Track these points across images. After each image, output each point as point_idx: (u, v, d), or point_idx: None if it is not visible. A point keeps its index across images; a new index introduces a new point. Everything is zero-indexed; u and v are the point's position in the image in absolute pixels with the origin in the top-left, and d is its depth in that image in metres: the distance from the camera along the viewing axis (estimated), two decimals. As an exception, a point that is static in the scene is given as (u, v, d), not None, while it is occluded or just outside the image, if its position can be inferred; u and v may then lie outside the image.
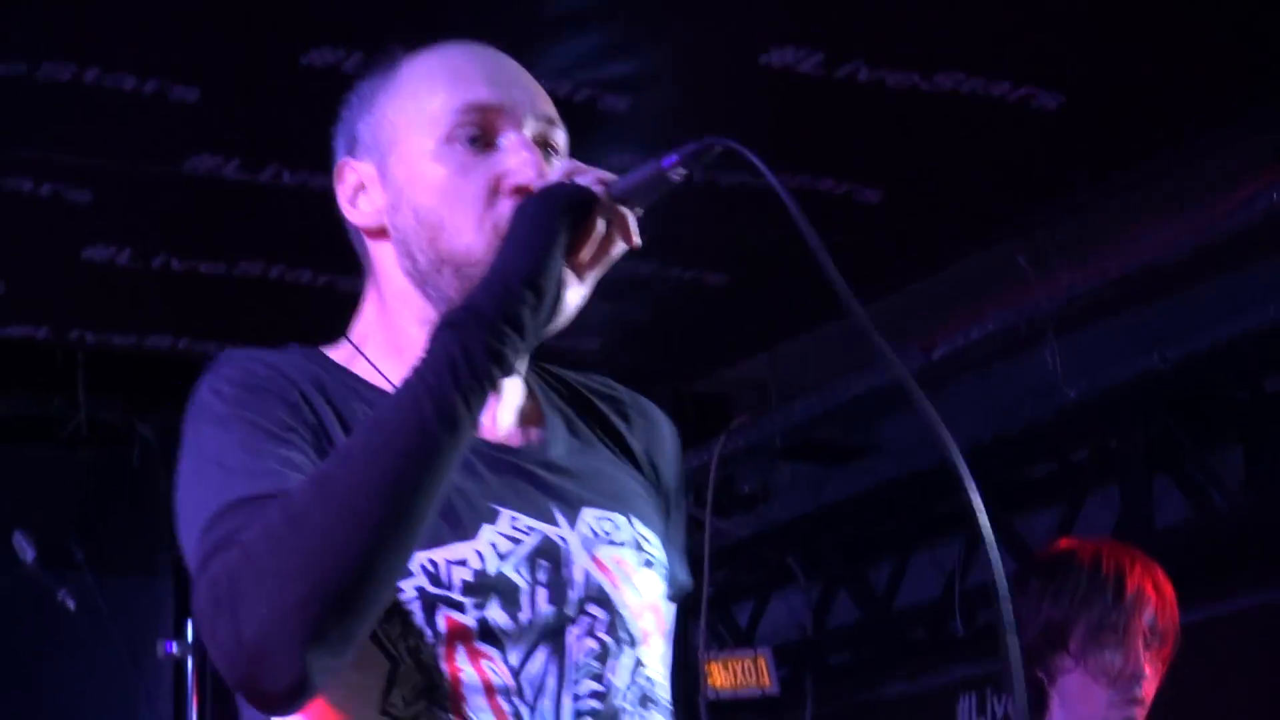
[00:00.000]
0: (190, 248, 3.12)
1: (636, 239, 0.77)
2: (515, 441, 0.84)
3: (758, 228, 2.79)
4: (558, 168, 0.78)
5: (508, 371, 0.71)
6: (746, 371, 3.92)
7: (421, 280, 0.81)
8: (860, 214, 2.98)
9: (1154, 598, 1.75)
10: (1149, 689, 1.75)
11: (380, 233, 0.84)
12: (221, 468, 0.71)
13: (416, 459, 0.65)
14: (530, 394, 0.88)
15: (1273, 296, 2.85)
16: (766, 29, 2.38)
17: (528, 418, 0.86)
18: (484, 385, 0.68)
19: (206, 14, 2.35)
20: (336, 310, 0.88)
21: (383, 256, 0.85)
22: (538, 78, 0.85)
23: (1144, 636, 1.73)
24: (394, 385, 0.74)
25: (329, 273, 3.09)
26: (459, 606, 0.73)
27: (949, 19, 2.31)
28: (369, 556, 0.63)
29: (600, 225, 0.74)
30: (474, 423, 0.68)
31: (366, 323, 0.87)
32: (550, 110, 0.85)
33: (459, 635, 0.73)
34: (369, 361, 0.84)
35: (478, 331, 0.68)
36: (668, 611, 0.85)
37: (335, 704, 0.72)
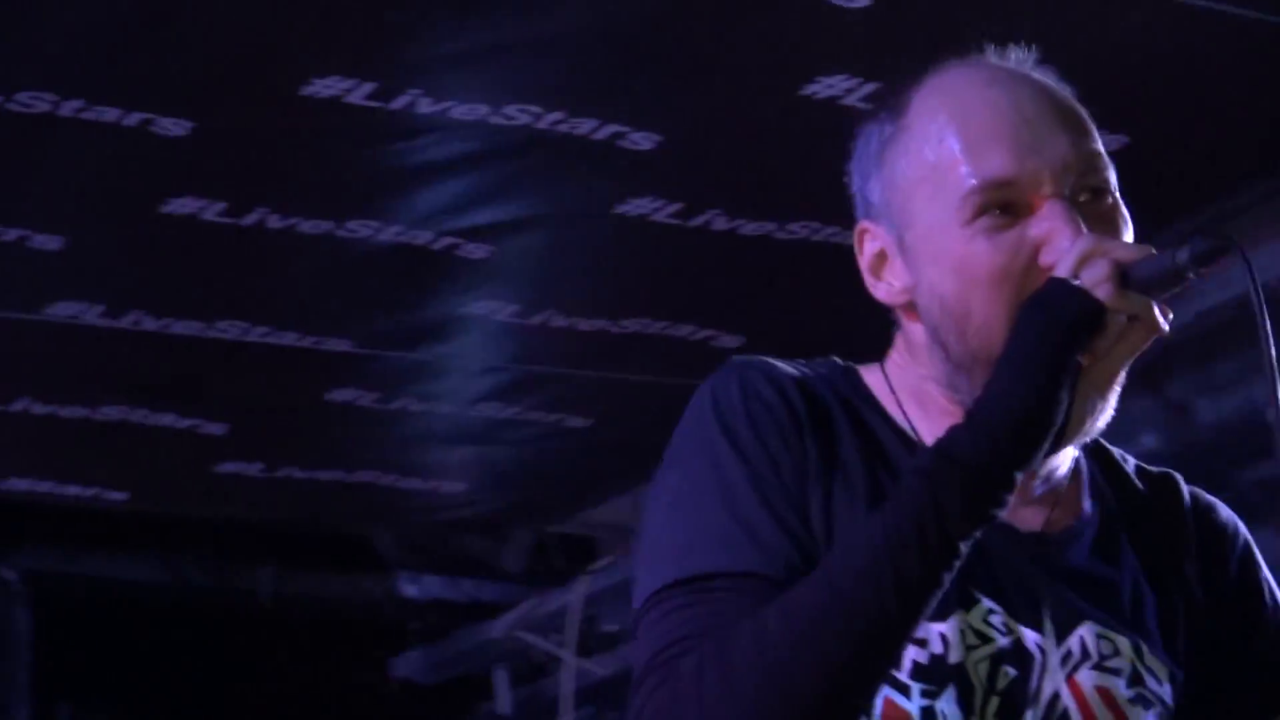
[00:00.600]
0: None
1: (1164, 325, 0.63)
2: (1033, 525, 0.71)
3: (620, 371, 2.79)
4: (1069, 250, 0.63)
5: (989, 523, 0.60)
6: (610, 513, 3.86)
7: (954, 371, 0.69)
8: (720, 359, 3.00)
9: None
10: None
11: (909, 308, 0.73)
12: (697, 526, 0.66)
13: (869, 637, 0.58)
14: (1075, 473, 0.74)
15: None
16: (620, 183, 2.41)
17: (1059, 500, 0.73)
18: (957, 549, 0.58)
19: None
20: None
21: (914, 331, 0.74)
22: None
23: None
24: (910, 429, 0.71)
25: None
26: (904, 690, 0.64)
27: (802, 170, 2.34)
28: None
29: (1119, 319, 0.62)
30: (939, 586, 0.59)
31: (895, 363, 0.77)
32: (1090, 146, 0.70)
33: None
34: (895, 397, 0.74)
35: (957, 485, 0.57)
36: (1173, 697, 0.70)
37: None
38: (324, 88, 2.02)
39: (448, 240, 2.47)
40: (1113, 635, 0.68)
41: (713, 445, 0.67)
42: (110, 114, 2.08)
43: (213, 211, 2.34)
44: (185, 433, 3.12)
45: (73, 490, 3.40)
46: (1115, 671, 0.68)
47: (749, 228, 2.54)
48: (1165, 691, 0.69)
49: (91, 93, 2.03)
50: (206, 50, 2.04)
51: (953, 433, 0.61)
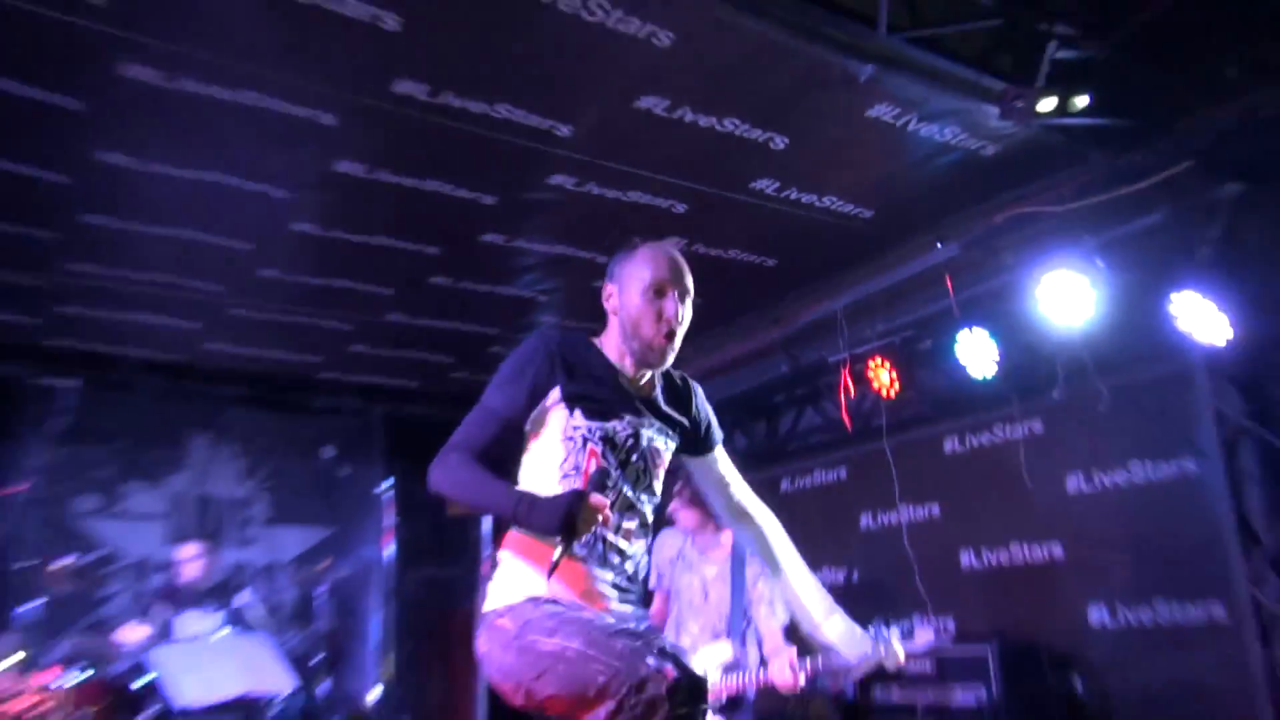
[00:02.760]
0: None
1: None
2: (642, 388, 2.18)
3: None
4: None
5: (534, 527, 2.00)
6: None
7: (626, 337, 2.14)
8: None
9: None
10: None
11: (614, 313, 2.18)
12: (491, 391, 2.09)
13: (483, 508, 2.25)
14: (653, 378, 2.20)
15: None
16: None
17: (649, 383, 2.19)
18: (523, 522, 1.98)
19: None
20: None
21: (613, 322, 2.18)
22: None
23: None
24: (610, 361, 2.16)
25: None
26: (597, 439, 2.09)
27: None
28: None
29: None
30: (514, 520, 2.02)
31: (608, 332, 2.19)
32: (689, 279, 2.17)
33: (593, 453, 2.07)
34: (600, 349, 2.17)
35: (526, 514, 1.94)
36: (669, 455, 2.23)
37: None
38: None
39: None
40: (665, 427, 2.18)
41: (508, 365, 2.09)
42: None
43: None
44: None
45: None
46: (663, 434, 2.18)
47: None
48: (674, 441, 2.21)
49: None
50: None
51: (529, 503, 1.94)
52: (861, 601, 4.95)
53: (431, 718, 6.42)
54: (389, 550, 5.58)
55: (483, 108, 3.15)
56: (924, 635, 3.12)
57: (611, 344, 2.15)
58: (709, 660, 3.59)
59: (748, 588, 3.56)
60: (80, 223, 3.79)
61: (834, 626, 2.34)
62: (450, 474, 1.98)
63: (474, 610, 6.16)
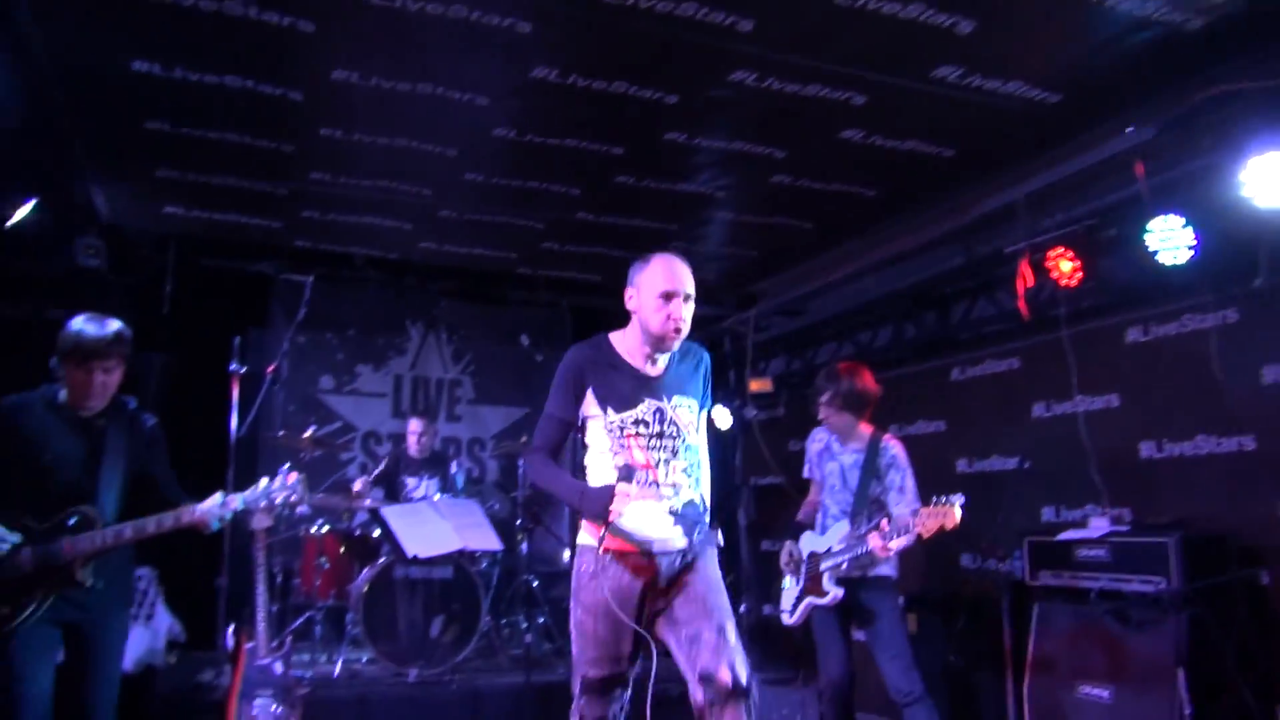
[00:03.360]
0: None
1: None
2: (651, 373, 2.87)
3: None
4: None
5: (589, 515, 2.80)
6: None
7: (644, 330, 2.82)
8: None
9: None
10: None
11: (634, 311, 2.85)
12: (549, 400, 2.92)
13: (554, 495, 3.39)
14: (669, 357, 2.90)
15: None
16: None
17: (669, 362, 2.90)
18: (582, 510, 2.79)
19: None
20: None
21: (634, 318, 2.86)
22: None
23: None
24: (624, 356, 2.86)
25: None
26: (631, 425, 2.81)
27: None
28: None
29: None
30: (573, 506, 2.93)
31: (631, 326, 2.88)
32: (690, 290, 2.81)
33: (630, 436, 2.80)
34: (621, 344, 2.89)
35: (577, 503, 2.77)
36: (695, 413, 2.94)
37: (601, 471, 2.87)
38: None
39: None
40: (684, 398, 2.87)
41: (555, 380, 2.89)
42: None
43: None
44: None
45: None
46: (683, 401, 2.86)
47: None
48: (695, 400, 2.91)
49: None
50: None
51: (579, 495, 2.74)
52: (1033, 489, 4.95)
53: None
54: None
55: (668, 6, 3.24)
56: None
57: (633, 335, 2.88)
58: (836, 536, 3.93)
59: (880, 476, 3.94)
60: (318, 136, 4.22)
61: None
62: (534, 471, 2.94)
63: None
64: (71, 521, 3.06)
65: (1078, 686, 4.02)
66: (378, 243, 5.81)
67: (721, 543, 3.04)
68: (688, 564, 2.83)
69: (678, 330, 2.77)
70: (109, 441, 3.17)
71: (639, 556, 2.78)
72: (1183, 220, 3.93)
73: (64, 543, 3.01)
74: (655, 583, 2.79)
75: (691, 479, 2.86)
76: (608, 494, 2.62)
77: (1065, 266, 4.38)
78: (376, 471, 6.24)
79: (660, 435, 2.80)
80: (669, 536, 2.81)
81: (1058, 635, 4.18)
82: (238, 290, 6.25)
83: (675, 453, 2.81)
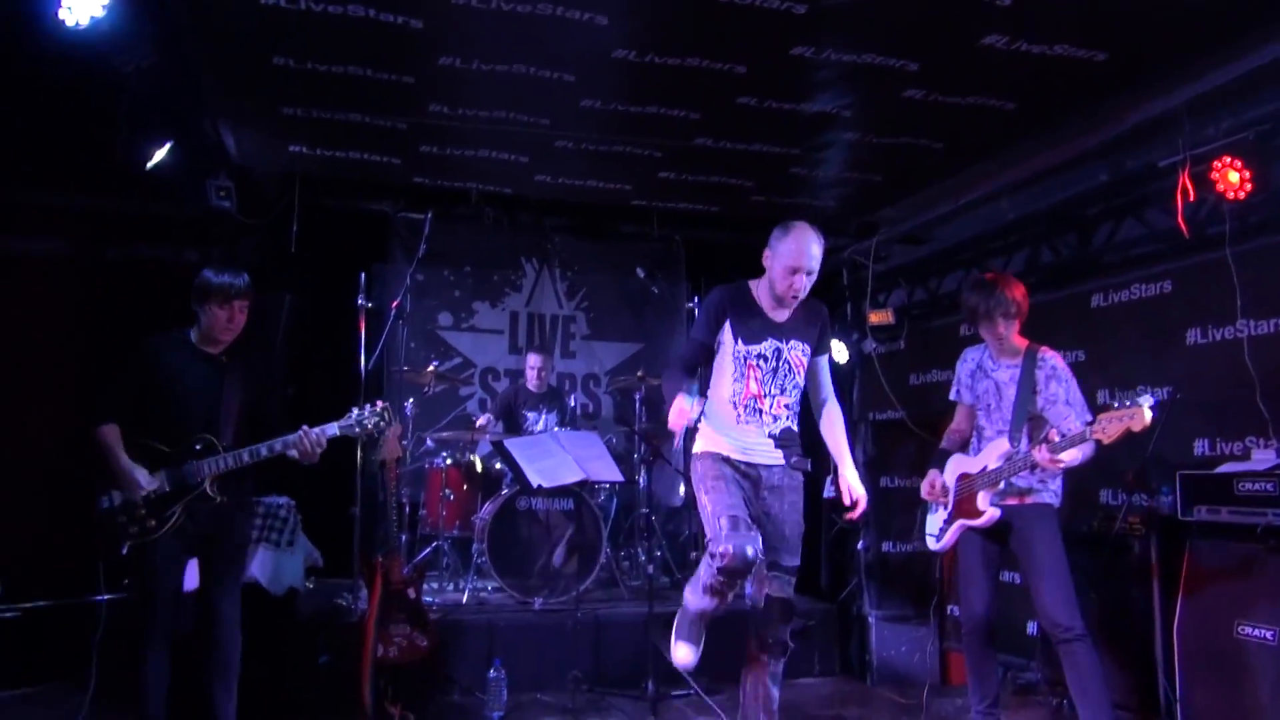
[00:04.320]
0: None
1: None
2: (780, 319, 3.56)
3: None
4: None
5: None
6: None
7: (771, 288, 3.52)
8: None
9: None
10: None
11: (767, 269, 3.52)
12: (695, 327, 3.69)
13: (667, 401, 3.34)
14: (793, 310, 3.57)
15: None
16: None
17: (793, 313, 3.57)
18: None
19: None
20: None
21: (766, 275, 3.54)
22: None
23: None
24: (759, 304, 3.56)
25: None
26: (754, 357, 3.49)
27: None
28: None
29: None
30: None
31: (764, 279, 3.56)
32: (815, 266, 3.47)
33: (751, 366, 3.48)
34: (756, 291, 3.59)
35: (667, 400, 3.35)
36: (805, 357, 3.58)
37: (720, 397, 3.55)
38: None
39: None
40: (800, 343, 3.55)
41: (702, 311, 3.62)
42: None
43: None
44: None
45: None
46: (798, 346, 3.54)
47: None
48: (808, 347, 3.58)
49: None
50: None
51: (667, 402, 3.33)
52: (1183, 421, 4.62)
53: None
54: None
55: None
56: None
57: (764, 288, 3.52)
58: (993, 454, 3.73)
59: (1039, 389, 3.77)
60: (437, 65, 4.17)
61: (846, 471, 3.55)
62: (665, 379, 3.53)
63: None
64: (198, 447, 3.54)
65: (1237, 626, 3.77)
66: (493, 177, 5.78)
67: (809, 468, 3.56)
68: (778, 486, 3.46)
69: (795, 298, 3.46)
70: (231, 378, 3.63)
71: (746, 466, 3.44)
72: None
73: (194, 465, 3.51)
74: (758, 491, 3.44)
75: (792, 413, 3.52)
76: (677, 411, 3.21)
77: (1233, 178, 4.00)
78: (496, 406, 6.33)
79: (775, 371, 3.46)
80: (770, 455, 3.47)
81: (1214, 573, 3.92)
82: (359, 229, 6.35)
83: (783, 389, 3.47)
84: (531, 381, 6.20)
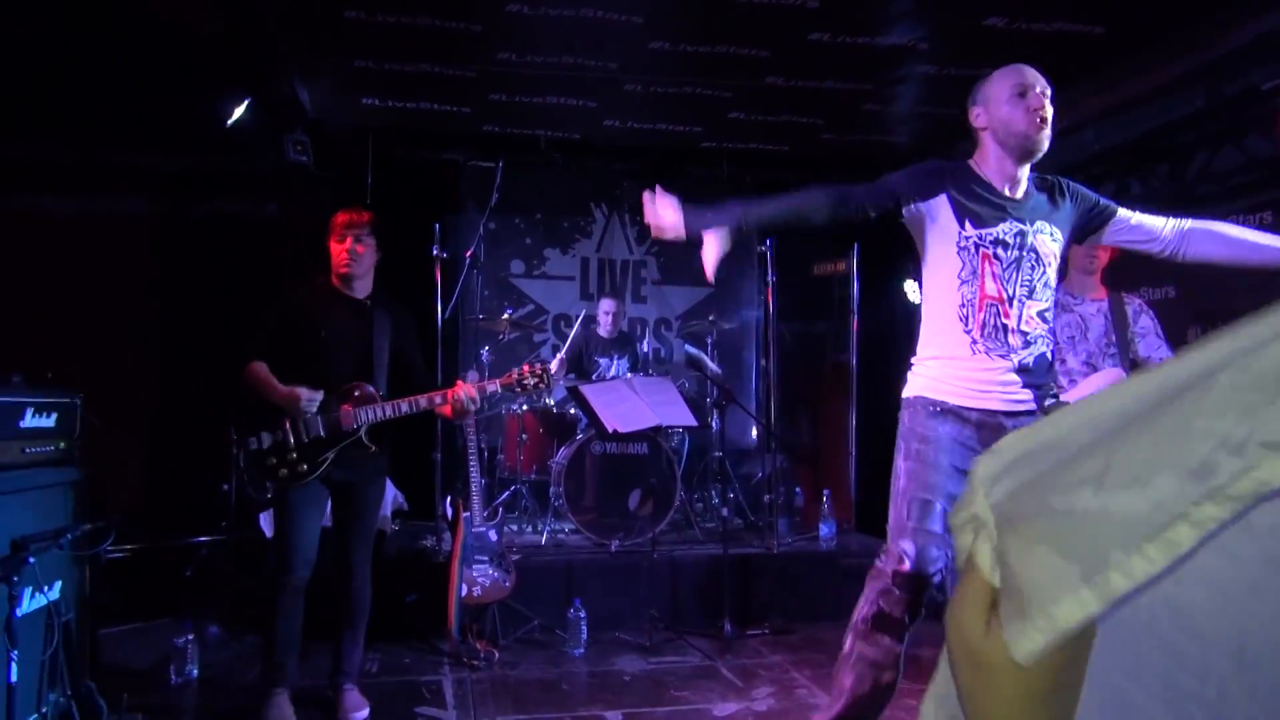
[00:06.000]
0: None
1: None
2: (1015, 195, 2.49)
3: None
4: None
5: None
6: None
7: (1002, 142, 2.45)
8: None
9: None
10: None
11: (984, 129, 2.48)
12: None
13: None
14: (1030, 185, 2.52)
15: None
16: None
17: (1030, 190, 2.51)
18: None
19: None
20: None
21: (985, 138, 2.49)
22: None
23: None
24: (987, 179, 2.50)
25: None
26: (989, 244, 2.43)
27: None
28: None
29: None
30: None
31: (981, 151, 2.50)
32: (1048, 87, 2.41)
33: (987, 255, 2.43)
34: (976, 170, 2.50)
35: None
36: (1059, 247, 2.51)
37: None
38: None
39: None
40: (1047, 224, 2.47)
41: (913, 167, 2.54)
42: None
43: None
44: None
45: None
46: (1048, 230, 2.47)
47: None
48: (1062, 232, 2.50)
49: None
50: None
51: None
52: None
53: (804, 458, 6.93)
54: (768, 307, 5.94)
55: None
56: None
57: (988, 160, 2.50)
58: (1094, 385, 3.67)
59: (1131, 322, 3.69)
60: (504, 12, 4.15)
61: None
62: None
63: (842, 363, 6.40)
64: (356, 394, 3.40)
65: None
66: (562, 124, 5.76)
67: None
68: None
69: (1043, 121, 2.38)
70: (377, 323, 3.46)
71: (980, 416, 2.40)
72: None
73: (350, 412, 3.35)
74: None
75: (1046, 327, 2.46)
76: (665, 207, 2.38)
77: (1343, 100, 3.77)
78: (568, 351, 6.41)
79: (1018, 264, 2.42)
80: (1015, 397, 2.40)
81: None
82: (432, 179, 6.41)
83: (1032, 291, 2.43)
84: (605, 327, 6.23)
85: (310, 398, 3.28)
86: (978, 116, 2.49)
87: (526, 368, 3.61)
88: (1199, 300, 4.96)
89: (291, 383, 3.30)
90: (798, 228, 2.38)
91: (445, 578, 4.45)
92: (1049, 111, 2.39)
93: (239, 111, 4.65)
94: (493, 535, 4.61)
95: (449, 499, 4.72)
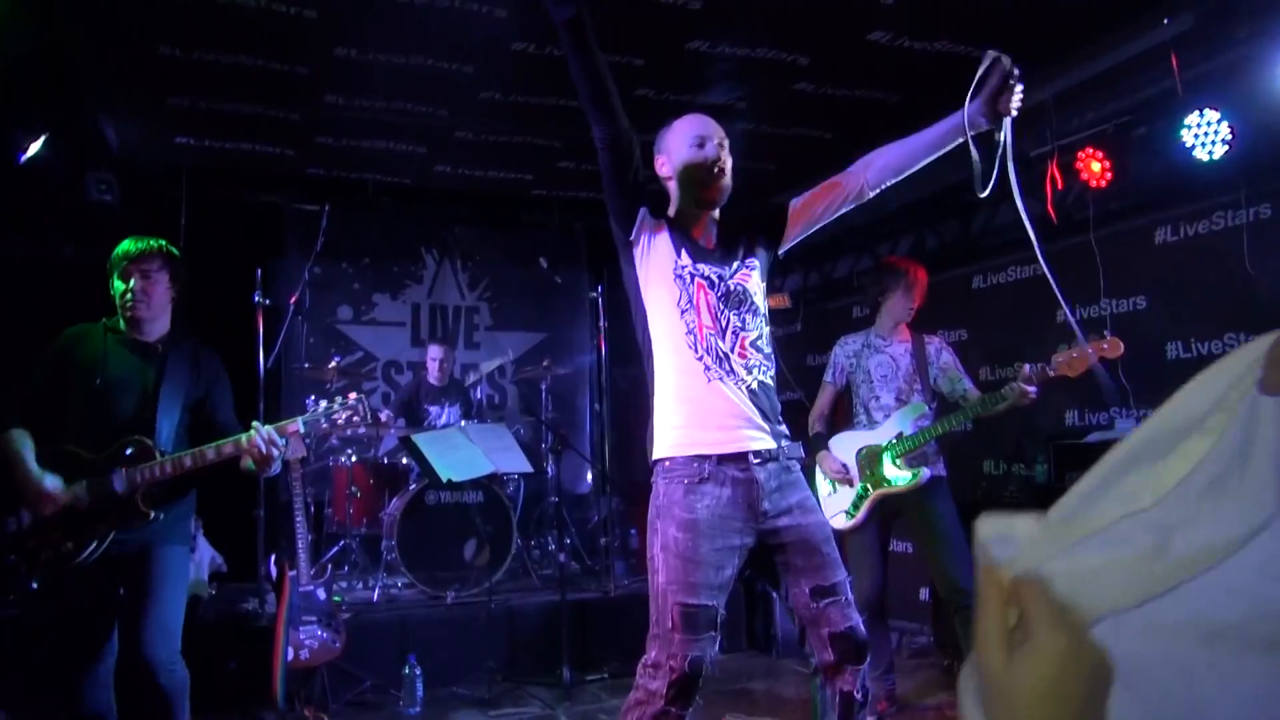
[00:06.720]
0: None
1: None
2: (709, 245, 2.45)
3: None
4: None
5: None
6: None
7: (686, 190, 2.45)
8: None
9: None
10: None
11: (670, 178, 2.48)
12: None
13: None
14: (713, 227, 2.49)
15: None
16: None
17: (711, 235, 2.47)
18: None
19: None
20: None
21: (672, 187, 2.49)
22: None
23: None
24: (673, 229, 2.45)
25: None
26: (699, 278, 2.37)
27: None
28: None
29: None
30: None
31: (671, 201, 2.50)
32: (724, 136, 2.43)
33: (699, 286, 2.36)
34: (670, 219, 2.47)
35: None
36: (758, 276, 2.47)
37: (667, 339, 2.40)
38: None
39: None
40: (736, 260, 2.43)
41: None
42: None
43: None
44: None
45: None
46: (742, 266, 2.43)
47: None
48: (756, 262, 2.46)
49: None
50: None
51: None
52: (1056, 393, 4.96)
53: (638, 499, 7.04)
54: (600, 352, 6.06)
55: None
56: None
57: (676, 206, 2.47)
58: (907, 420, 3.98)
59: (932, 360, 4.05)
60: (332, 56, 4.10)
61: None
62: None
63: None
64: (129, 451, 2.87)
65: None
66: (391, 169, 5.71)
67: (805, 454, 2.51)
68: (788, 482, 2.36)
69: (720, 170, 2.37)
70: (170, 369, 3.00)
71: (734, 472, 2.28)
72: (1218, 114, 3.86)
73: (123, 474, 2.84)
74: (756, 510, 2.30)
75: (760, 357, 2.37)
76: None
77: (1095, 167, 4.32)
78: (398, 400, 6.26)
79: (726, 297, 2.37)
80: (757, 434, 2.32)
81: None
82: (253, 223, 6.16)
83: (741, 324, 2.36)
84: (434, 374, 6.14)
85: (58, 495, 2.78)
86: (662, 165, 2.48)
87: (338, 399, 3.20)
88: (987, 342, 5.50)
89: (63, 443, 2.86)
90: (595, 88, 2.33)
91: (269, 642, 4.21)
92: (727, 161, 2.40)
93: (35, 147, 4.32)
94: (321, 594, 4.41)
95: (272, 558, 4.49)
